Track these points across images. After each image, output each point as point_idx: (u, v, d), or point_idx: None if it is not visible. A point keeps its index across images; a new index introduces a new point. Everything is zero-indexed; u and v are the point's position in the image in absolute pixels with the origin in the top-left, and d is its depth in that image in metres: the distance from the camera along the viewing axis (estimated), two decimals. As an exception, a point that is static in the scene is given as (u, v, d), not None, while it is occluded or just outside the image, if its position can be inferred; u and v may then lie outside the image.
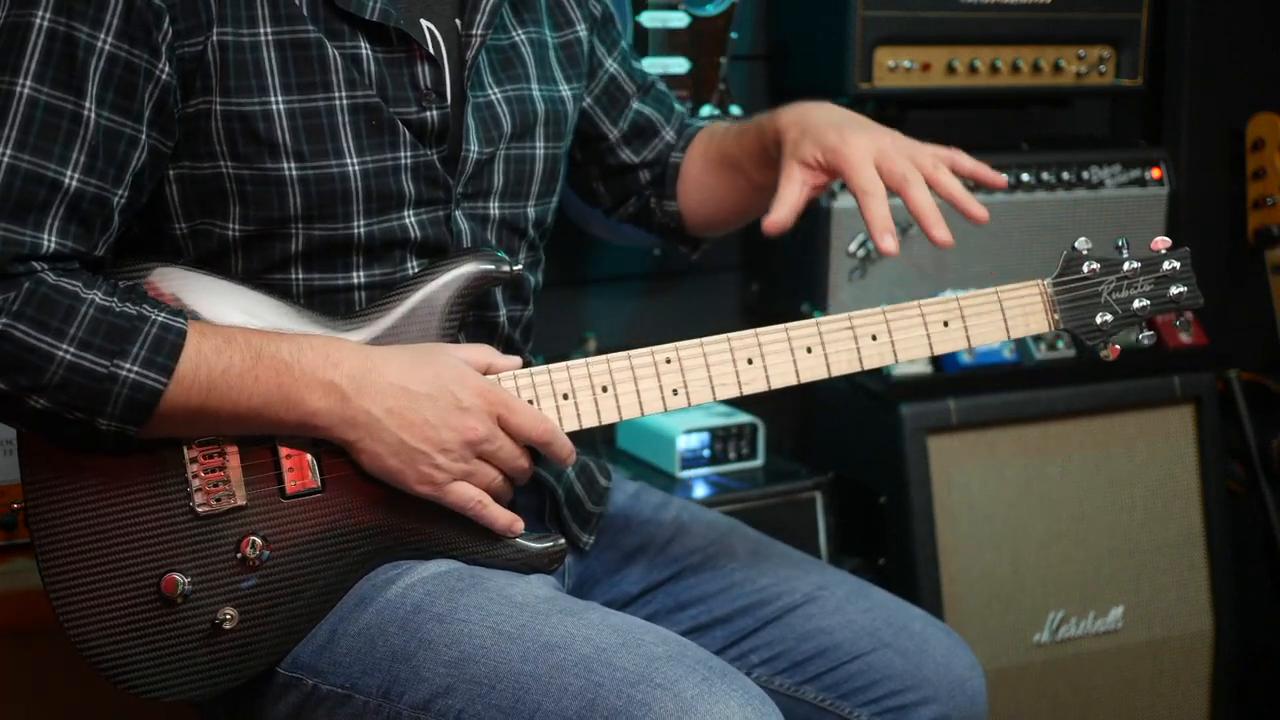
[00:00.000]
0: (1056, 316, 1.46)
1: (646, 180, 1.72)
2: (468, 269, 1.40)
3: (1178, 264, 1.47)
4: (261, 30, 1.31)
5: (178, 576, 1.30)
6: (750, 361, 1.41)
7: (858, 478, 2.44)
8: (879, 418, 2.39)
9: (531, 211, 1.53)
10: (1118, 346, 1.49)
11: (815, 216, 2.43)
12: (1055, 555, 2.46)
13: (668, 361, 1.40)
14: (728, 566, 1.55)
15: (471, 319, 1.47)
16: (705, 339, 1.41)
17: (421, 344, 1.37)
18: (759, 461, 2.40)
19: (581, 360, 1.41)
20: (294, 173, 1.33)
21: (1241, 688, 2.65)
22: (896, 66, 2.43)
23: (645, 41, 2.34)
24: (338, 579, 1.36)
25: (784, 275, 2.57)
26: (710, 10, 2.39)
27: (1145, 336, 1.49)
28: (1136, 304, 1.47)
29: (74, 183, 1.24)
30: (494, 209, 1.48)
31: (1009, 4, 2.48)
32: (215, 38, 1.30)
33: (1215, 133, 2.96)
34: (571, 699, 1.23)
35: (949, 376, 2.44)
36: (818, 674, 1.49)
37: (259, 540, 1.32)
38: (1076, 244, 1.47)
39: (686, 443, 2.34)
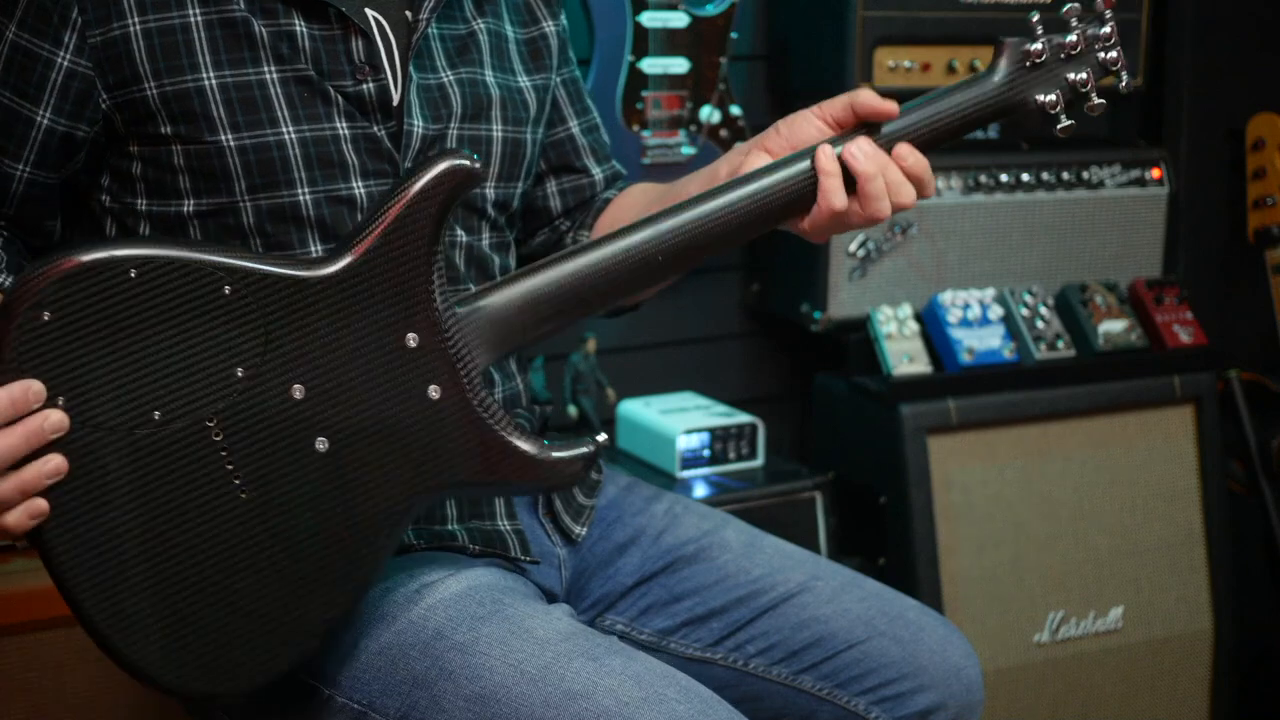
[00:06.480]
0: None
1: (559, 210, 1.69)
2: (446, 165, 1.28)
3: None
4: (190, 12, 1.36)
5: None
6: None
7: (858, 478, 2.44)
8: (879, 418, 2.39)
9: (491, 192, 1.53)
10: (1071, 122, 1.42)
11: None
12: (1055, 555, 2.46)
13: None
14: (721, 558, 1.55)
15: None
16: None
17: None
18: (759, 461, 2.40)
19: None
20: (232, 143, 1.36)
21: (1241, 688, 2.65)
22: (896, 66, 2.43)
23: (645, 41, 2.35)
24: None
25: (784, 275, 2.57)
26: (710, 10, 2.39)
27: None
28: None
29: None
30: None
31: (1009, 4, 2.49)
32: (138, 25, 1.35)
33: (1215, 133, 2.96)
34: None
35: (949, 376, 2.44)
36: (814, 663, 1.49)
37: None
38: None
39: (686, 443, 2.34)
